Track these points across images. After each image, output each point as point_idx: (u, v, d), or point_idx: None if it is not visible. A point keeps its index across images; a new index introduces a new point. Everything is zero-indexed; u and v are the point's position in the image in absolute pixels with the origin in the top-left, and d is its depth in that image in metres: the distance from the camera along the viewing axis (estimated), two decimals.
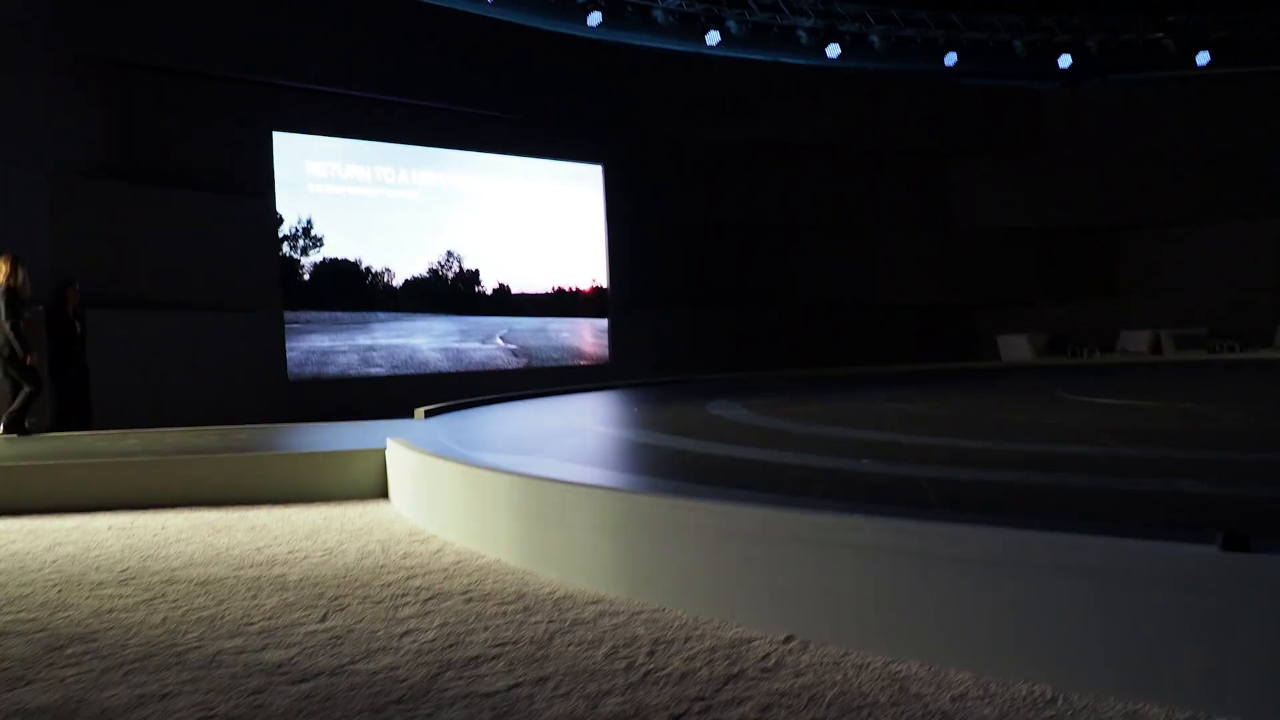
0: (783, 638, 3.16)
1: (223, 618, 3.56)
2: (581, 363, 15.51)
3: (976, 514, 3.66)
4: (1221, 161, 16.92)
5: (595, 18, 14.63)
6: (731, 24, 15.76)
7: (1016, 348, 17.65)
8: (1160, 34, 16.74)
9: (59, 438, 8.20)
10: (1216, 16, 16.56)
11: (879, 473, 5.00)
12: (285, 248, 12.30)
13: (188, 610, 3.67)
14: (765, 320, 16.97)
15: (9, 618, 3.62)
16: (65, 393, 9.45)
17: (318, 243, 12.59)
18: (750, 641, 3.16)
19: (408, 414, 8.95)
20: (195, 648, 3.21)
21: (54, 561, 4.56)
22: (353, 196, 13.05)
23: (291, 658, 3.10)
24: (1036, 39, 16.97)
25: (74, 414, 9.40)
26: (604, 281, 15.82)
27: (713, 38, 15.67)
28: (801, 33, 16.28)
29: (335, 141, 12.84)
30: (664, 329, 16.10)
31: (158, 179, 11.06)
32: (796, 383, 13.33)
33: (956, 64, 16.99)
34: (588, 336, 15.80)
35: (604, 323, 15.84)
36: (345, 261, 12.91)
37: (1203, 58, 16.75)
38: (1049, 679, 2.65)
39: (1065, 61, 17.07)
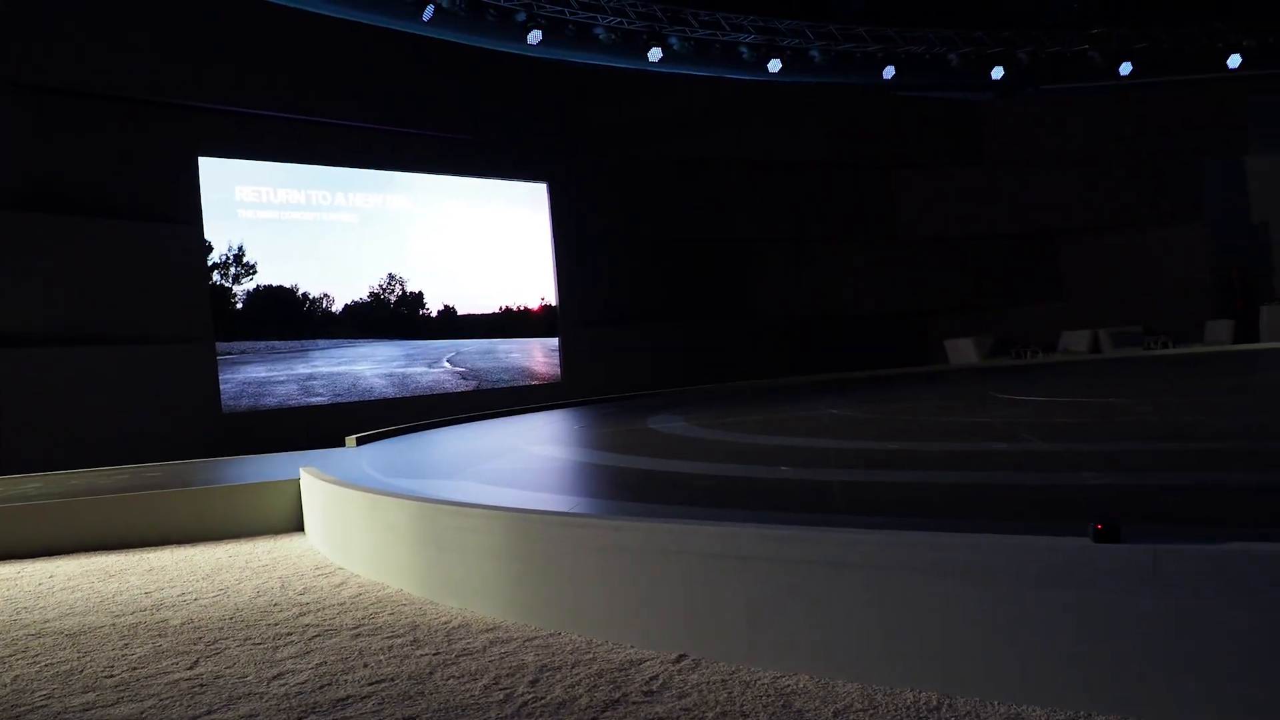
0: (674, 657, 3.02)
1: (82, 671, 3.31)
2: (533, 383, 15.28)
3: (868, 516, 3.57)
4: (1149, 166, 17.43)
5: (535, 36, 14.48)
6: (673, 40, 15.74)
7: (963, 351, 18.02)
8: (1086, 45, 17.14)
9: None
10: (1138, 29, 17.09)
11: (794, 479, 4.86)
12: (216, 276, 11.98)
13: (46, 665, 3.41)
14: (718, 334, 16.98)
15: None
16: None
17: (250, 270, 12.27)
18: (640, 663, 3.00)
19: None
20: (39, 707, 2.96)
21: None
22: (286, 221, 12.76)
23: (142, 712, 2.86)
24: (970, 51, 17.28)
25: None
26: (553, 300, 15.64)
27: (655, 54, 15.65)
28: (743, 48, 16.38)
29: (266, 165, 12.55)
30: (616, 346, 15.97)
31: (76, 208, 10.71)
32: (745, 395, 13.31)
33: (894, 77, 17.25)
34: (538, 356, 15.59)
35: (555, 342, 15.64)
36: (281, 288, 12.60)
37: (1125, 68, 17.36)
38: (935, 685, 2.55)
39: (998, 73, 17.44)
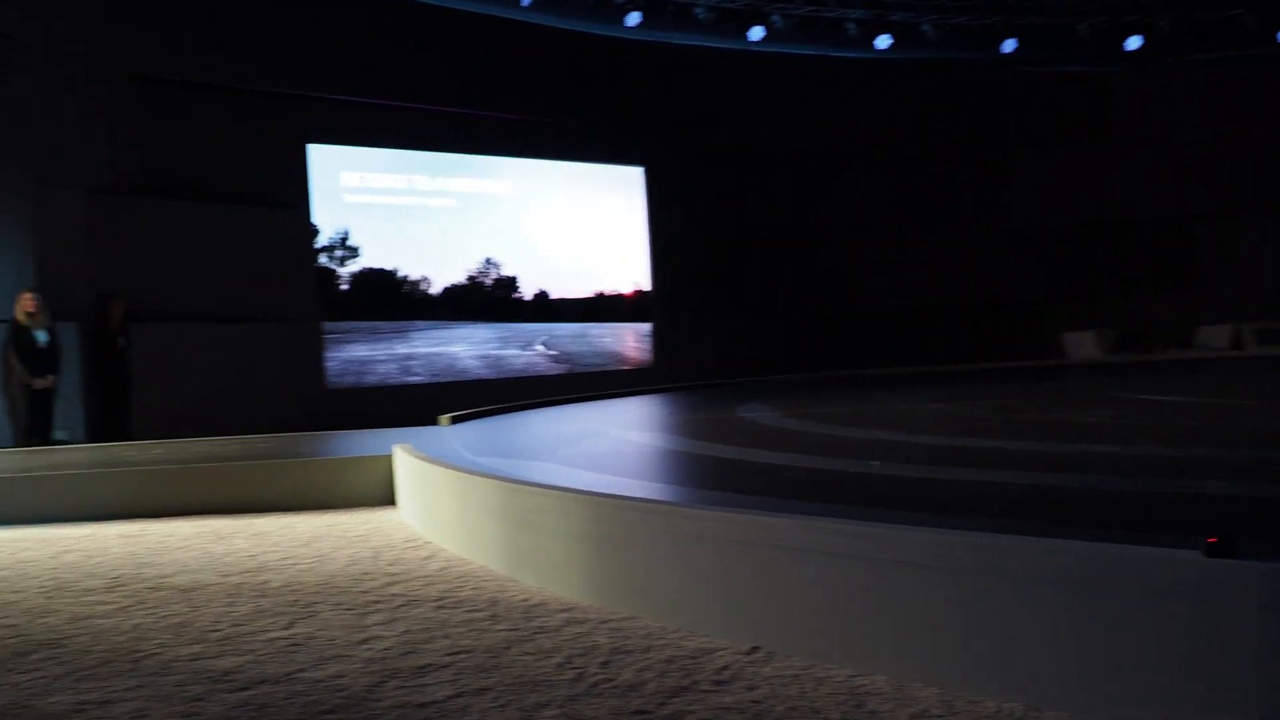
0: (746, 649, 3.04)
1: (192, 624, 3.59)
2: (624, 368, 15.46)
3: (960, 517, 3.47)
4: None
5: (634, 17, 14.45)
6: (776, 18, 15.31)
7: (1084, 345, 16.86)
8: (1239, 9, 15.57)
9: (92, 448, 8.45)
10: None
11: (884, 474, 4.85)
12: (322, 258, 12.47)
13: (161, 617, 3.70)
14: (815, 323, 16.52)
15: None
16: (104, 404, 9.78)
17: (354, 253, 12.74)
18: (713, 652, 3.03)
19: None
20: (153, 654, 3.23)
21: (54, 569, 4.66)
22: (389, 206, 13.18)
23: (242, 665, 3.10)
24: (1102, 20, 16.15)
25: (113, 425, 9.70)
26: (646, 285, 15.74)
27: (756, 33, 15.32)
28: (850, 24, 15.71)
29: (370, 151, 12.99)
30: (711, 332, 15.84)
31: (194, 194, 11.27)
32: (840, 386, 13.05)
33: (1015, 50, 16.31)
34: (630, 341, 15.76)
35: (647, 327, 15.77)
36: (382, 271, 13.05)
37: None
38: (1020, 696, 2.46)
39: (1134, 43, 16.17)
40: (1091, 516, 3.63)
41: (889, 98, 16.70)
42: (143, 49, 11.04)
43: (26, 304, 8.89)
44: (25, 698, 2.86)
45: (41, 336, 8.94)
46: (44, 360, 8.98)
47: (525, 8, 13.72)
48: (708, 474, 5.23)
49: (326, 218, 12.51)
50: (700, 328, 15.76)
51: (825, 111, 16.29)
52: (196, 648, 3.29)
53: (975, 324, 17.00)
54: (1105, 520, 3.53)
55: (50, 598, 4.09)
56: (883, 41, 15.78)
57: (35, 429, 8.87)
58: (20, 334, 8.88)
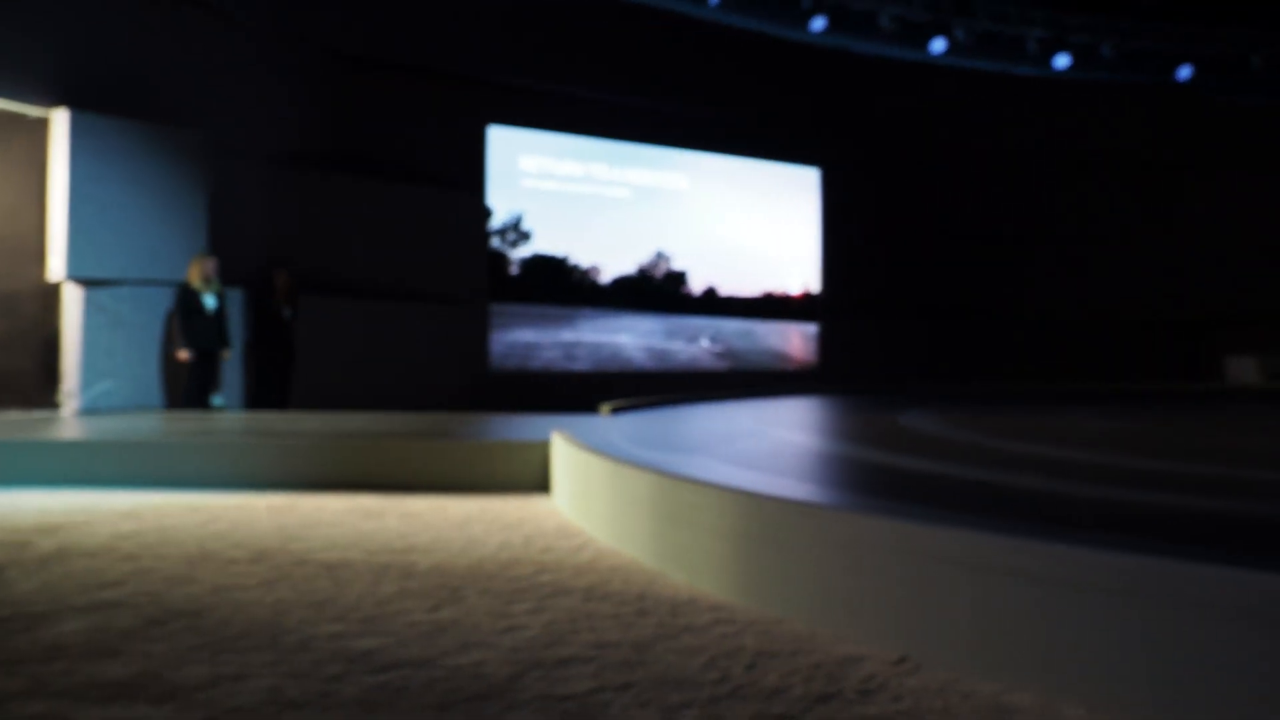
0: (894, 659, 2.89)
1: (334, 602, 3.52)
2: (788, 367, 15.16)
3: (1117, 537, 3.23)
4: None
5: (819, 23, 14.45)
6: (959, 31, 15.24)
7: (1245, 370, 16.16)
8: None
9: (250, 416, 8.62)
10: None
11: (1043, 489, 4.51)
12: (494, 241, 12.61)
13: (305, 593, 3.65)
14: (985, 333, 16.27)
15: (130, 590, 3.69)
16: (264, 374, 10.05)
17: (526, 237, 12.84)
18: (859, 660, 2.88)
19: None
20: (293, 630, 3.17)
21: (200, 537, 4.69)
22: (564, 193, 13.24)
23: (383, 646, 3.00)
24: (1272, 53, 15.66)
25: (272, 395, 9.95)
26: (815, 286, 15.44)
27: (938, 45, 15.23)
28: (1030, 42, 15.61)
29: (549, 137, 13.08)
30: (876, 337, 15.66)
31: (372, 170, 11.57)
32: (1004, 398, 12.57)
33: (1192, 77, 15.94)
34: (796, 341, 15.45)
35: (813, 328, 15.44)
36: (553, 257, 13.12)
37: None
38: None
39: None
40: (1256, 543, 3.37)
41: (1068, 114, 16.64)
42: (333, 23, 11.38)
43: (200, 269, 9.15)
44: (156, 668, 2.81)
45: (210, 302, 9.18)
46: (211, 326, 9.21)
47: (713, 6, 13.74)
48: (866, 479, 4.94)
49: (501, 201, 12.65)
50: (866, 332, 15.55)
51: (1004, 123, 16.31)
52: (338, 626, 3.22)
53: (1140, 342, 16.78)
54: (1269, 548, 3.30)
55: (193, 566, 4.09)
56: (1061, 60, 15.63)
57: (194, 393, 9.11)
58: (190, 298, 9.14)
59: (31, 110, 8.84)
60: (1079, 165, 16.60)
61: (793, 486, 4.44)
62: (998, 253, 16.43)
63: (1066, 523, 3.58)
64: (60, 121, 8.84)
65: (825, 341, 15.39)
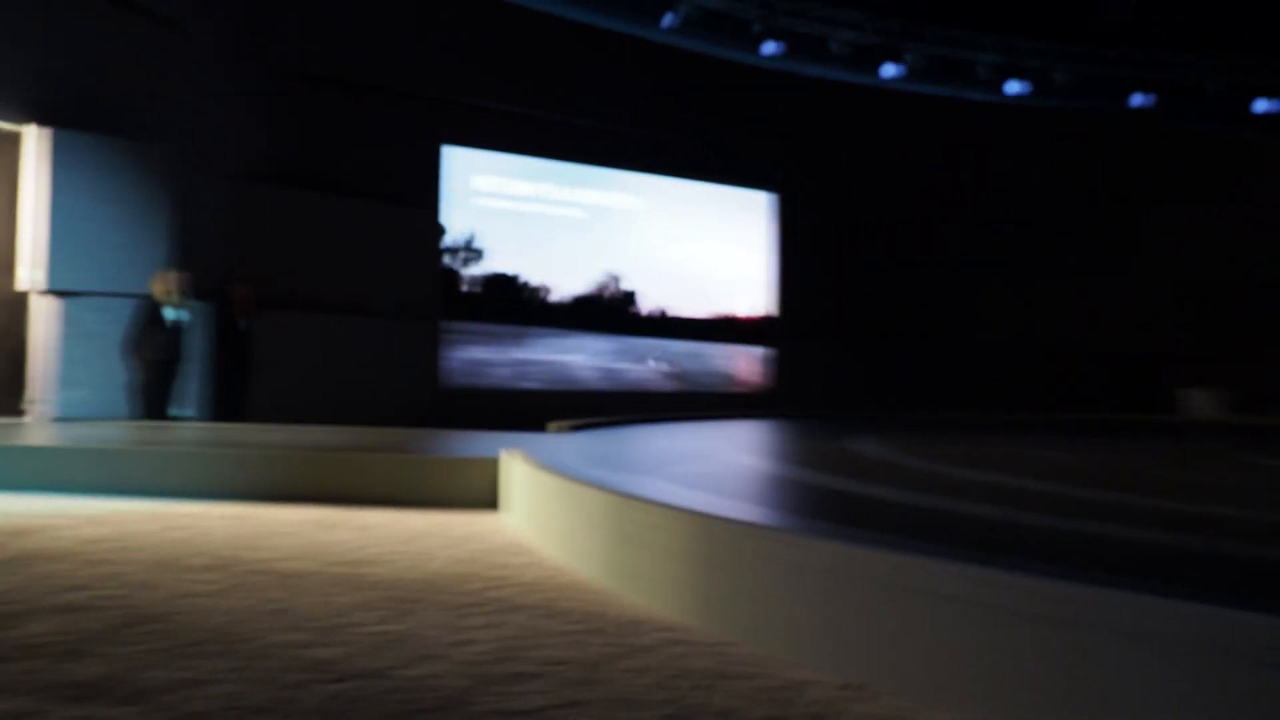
0: (844, 684, 2.94)
1: (290, 612, 3.57)
2: (738, 390, 15.33)
3: (1070, 567, 3.32)
4: None
5: (770, 47, 14.61)
6: (909, 56, 15.46)
7: (1201, 403, 16.47)
8: None
9: (206, 427, 8.68)
10: None
11: (994, 518, 4.63)
12: (447, 259, 12.66)
13: (261, 601, 3.70)
14: (935, 360, 16.44)
15: (96, 594, 3.75)
16: (223, 385, 10.08)
17: (478, 255, 12.91)
18: (809, 685, 2.94)
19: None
20: (252, 639, 3.22)
21: (160, 544, 4.73)
22: (517, 212, 13.33)
23: (339, 657, 3.06)
24: (1229, 79, 15.95)
25: (230, 406, 9.98)
26: (766, 310, 15.63)
27: (889, 70, 15.43)
28: (981, 67, 15.84)
29: (502, 156, 13.17)
30: (828, 362, 15.80)
31: (330, 187, 11.60)
32: (953, 425, 12.79)
33: (1146, 104, 16.21)
34: (746, 364, 15.63)
35: (764, 351, 15.63)
36: (505, 275, 13.19)
37: None
38: None
39: (1261, 106, 15.93)
40: (1202, 577, 3.42)
41: (1020, 141, 16.84)
42: (294, 44, 11.45)
43: (163, 283, 9.23)
44: (124, 670, 2.87)
45: (170, 314, 9.23)
46: (172, 339, 9.27)
47: (665, 29, 13.86)
48: (817, 504, 5.07)
49: (455, 219, 12.71)
50: (816, 356, 15.70)
51: (957, 149, 16.42)
52: (295, 635, 3.27)
53: (1087, 373, 16.93)
54: (1218, 582, 3.32)
55: (154, 573, 4.13)
56: (1014, 86, 15.82)
57: (155, 404, 9.16)
58: (151, 311, 9.23)
59: (4, 125, 8.99)
60: (1033, 192, 16.71)
61: (744, 509, 4.54)
62: (950, 279, 16.59)
63: (1017, 551, 3.64)
64: (32, 137, 8.99)
65: (776, 365, 15.56)
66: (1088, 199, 17.03)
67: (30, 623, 3.33)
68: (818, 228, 15.79)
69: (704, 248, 15.09)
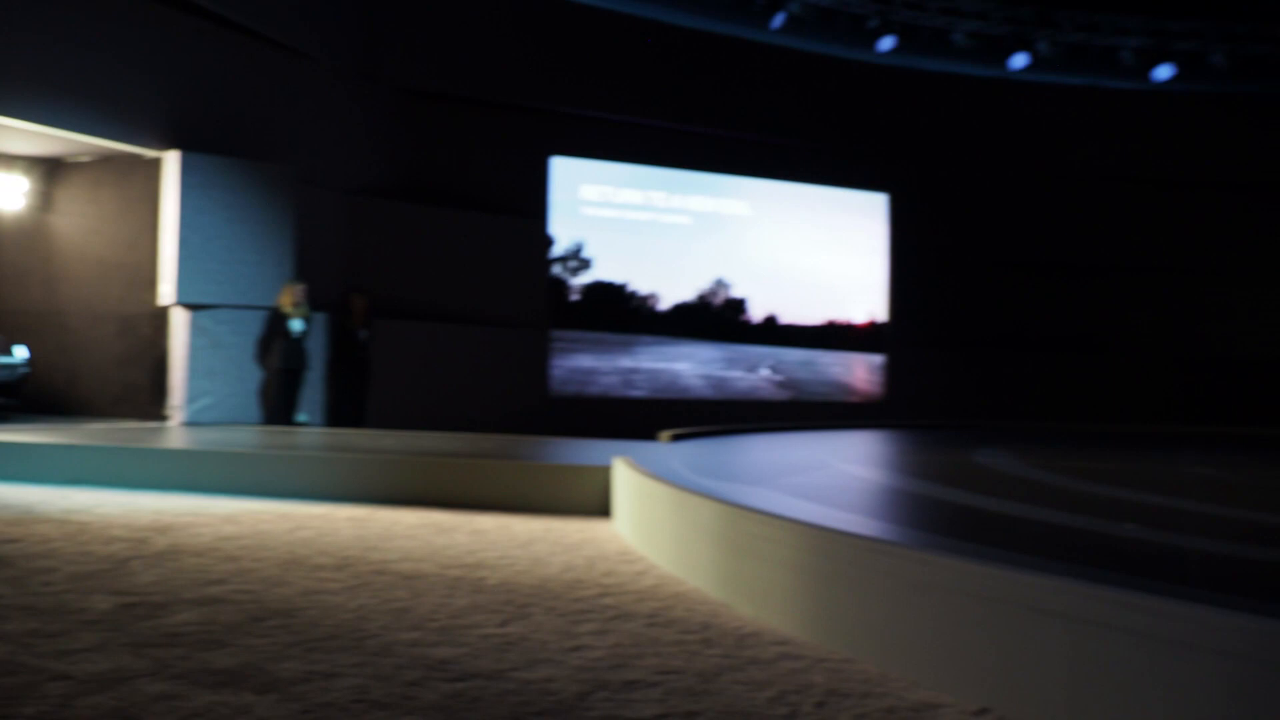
0: (974, 709, 2.82)
1: (411, 611, 3.66)
2: (852, 399, 15.09)
3: (1229, 596, 3.08)
4: None
5: (887, 42, 14.19)
6: (1041, 45, 14.62)
7: None
8: None
9: (327, 433, 9.03)
10: None
11: (1142, 539, 4.41)
12: (555, 269, 12.82)
13: (384, 600, 3.81)
14: (1066, 368, 15.33)
15: (233, 587, 3.94)
16: (342, 393, 10.43)
17: (586, 265, 13.03)
18: (937, 708, 2.83)
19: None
20: (375, 635, 3.32)
21: (290, 543, 4.93)
22: (624, 220, 13.42)
23: (458, 656, 3.13)
24: None
25: (349, 413, 10.32)
26: (881, 315, 15.32)
27: (1019, 60, 14.66)
28: (1125, 53, 14.80)
29: (610, 165, 13.27)
30: (946, 369, 15.17)
31: (441, 200, 11.88)
32: (1093, 438, 12.02)
33: None
34: (860, 372, 15.36)
35: (879, 359, 15.33)
36: (612, 284, 13.28)
37: None
38: None
39: None
40: None
41: (1168, 131, 15.35)
42: (405, 62, 11.76)
43: (290, 294, 9.64)
44: (260, 660, 2.99)
45: (296, 325, 9.63)
46: (297, 348, 9.65)
47: (774, 30, 13.70)
48: (941, 519, 4.93)
49: (563, 229, 12.86)
50: (935, 363, 15.16)
51: (1094, 142, 15.30)
52: (415, 634, 3.36)
53: (1251, 382, 15.33)
54: None
55: (285, 570, 4.30)
56: (1162, 71, 14.73)
57: (281, 410, 9.56)
58: (279, 322, 9.61)
59: (147, 152, 9.59)
60: (1183, 187, 15.34)
61: (864, 523, 4.45)
62: (1084, 282, 15.57)
63: (1172, 578, 3.43)
64: (170, 161, 9.54)
65: (892, 373, 15.22)
66: (1240, 193, 15.46)
67: (174, 613, 3.53)
68: (936, 229, 15.17)
69: (816, 252, 14.90)
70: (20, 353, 9.26)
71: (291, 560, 4.51)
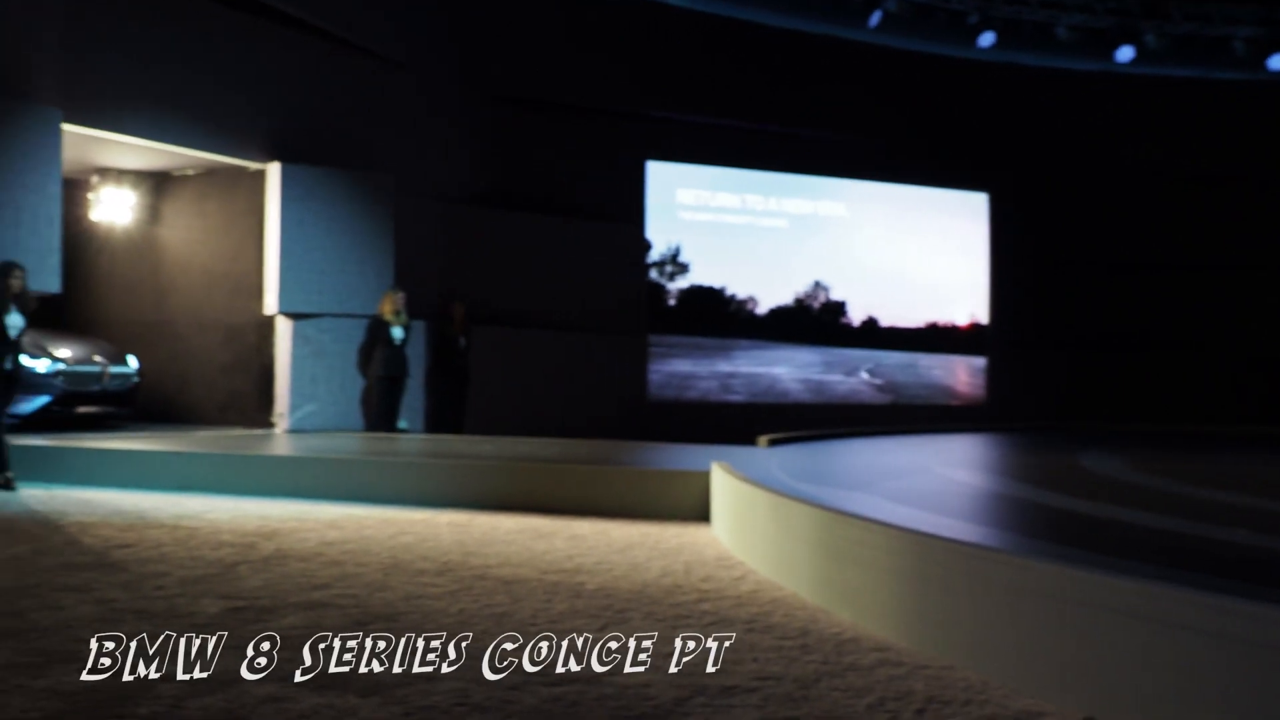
0: (1080, 718, 2.75)
1: (511, 615, 3.71)
2: (953, 403, 14.81)
3: None
4: None
5: (988, 38, 13.91)
6: (1149, 37, 14.16)
7: None
8: None
9: (428, 439, 9.20)
10: None
11: (1252, 545, 4.26)
12: (653, 273, 12.86)
13: (485, 605, 3.87)
14: (1173, 369, 14.91)
15: (337, 592, 4.05)
16: (442, 399, 10.61)
17: (684, 269, 13.04)
18: (1038, 716, 2.77)
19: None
20: (478, 640, 3.36)
21: (392, 548, 5.05)
22: (721, 224, 13.40)
23: (557, 661, 3.16)
24: None
25: (449, 419, 10.49)
26: (983, 317, 15.01)
27: (1125, 53, 14.23)
28: (1238, 43, 14.26)
29: (706, 169, 13.27)
30: (1049, 371, 14.85)
31: (536, 206, 12.02)
32: (1198, 440, 11.70)
33: None
34: (962, 375, 15.07)
35: (981, 361, 15.02)
36: (710, 288, 13.26)
37: None
38: None
39: None
40: None
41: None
42: (499, 69, 11.93)
43: (391, 303, 9.84)
44: (360, 664, 3.06)
45: (398, 333, 9.82)
46: (398, 356, 9.83)
47: (871, 28, 13.53)
48: (1044, 524, 4.82)
49: (660, 234, 12.90)
50: (1039, 366, 14.81)
51: (1203, 136, 14.75)
52: (515, 638, 3.39)
53: None
54: None
55: (387, 574, 4.41)
56: (1278, 62, 14.12)
57: (383, 417, 9.76)
58: (380, 330, 9.81)
59: (251, 164, 9.98)
60: None
61: (965, 529, 4.38)
62: (1190, 282, 15.02)
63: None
64: (273, 173, 9.89)
65: (995, 375, 14.90)
66: None
67: (280, 616, 3.64)
68: (1039, 228, 14.83)
69: (916, 253, 14.66)
70: (132, 362, 9.61)
71: (394, 565, 4.61)
